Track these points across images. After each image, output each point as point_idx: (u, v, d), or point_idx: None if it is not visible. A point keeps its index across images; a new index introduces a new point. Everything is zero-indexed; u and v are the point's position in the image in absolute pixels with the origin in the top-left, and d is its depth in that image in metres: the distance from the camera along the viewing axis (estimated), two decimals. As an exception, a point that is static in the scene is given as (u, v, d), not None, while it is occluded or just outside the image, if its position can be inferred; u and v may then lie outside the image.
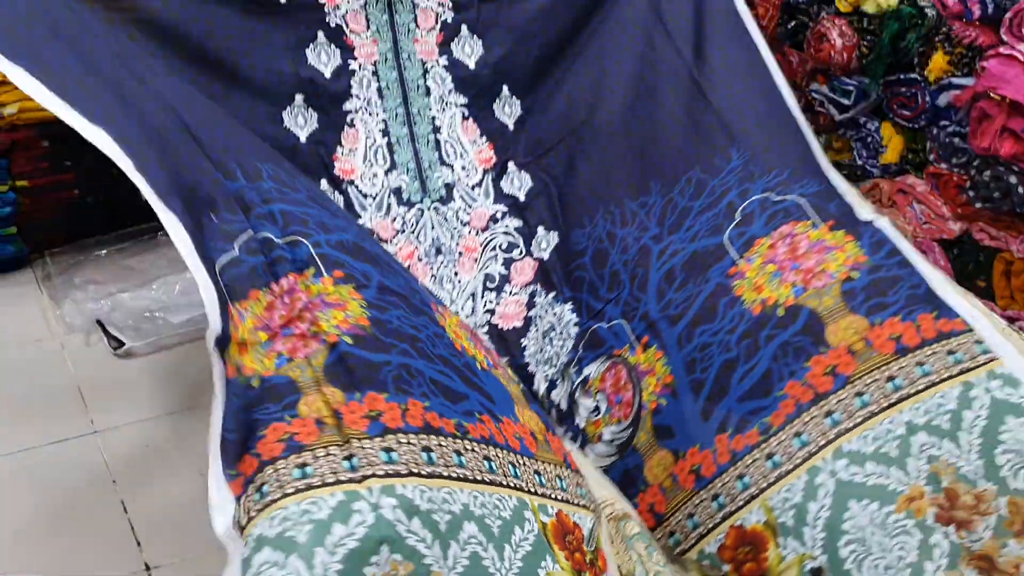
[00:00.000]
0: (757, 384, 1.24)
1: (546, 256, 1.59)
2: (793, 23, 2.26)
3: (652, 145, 1.55)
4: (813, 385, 1.22)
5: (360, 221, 1.48)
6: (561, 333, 1.52)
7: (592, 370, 1.44)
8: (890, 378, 1.21)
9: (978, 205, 1.82)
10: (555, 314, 1.55)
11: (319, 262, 1.11)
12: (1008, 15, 1.69)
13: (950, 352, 1.22)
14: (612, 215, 1.53)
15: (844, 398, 1.21)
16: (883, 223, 1.34)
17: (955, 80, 1.86)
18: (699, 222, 1.41)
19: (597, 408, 1.40)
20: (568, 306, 1.54)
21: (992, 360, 1.20)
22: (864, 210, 1.36)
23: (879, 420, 1.18)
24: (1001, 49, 1.69)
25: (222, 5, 1.43)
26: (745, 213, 1.38)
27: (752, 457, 1.20)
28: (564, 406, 1.45)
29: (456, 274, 1.55)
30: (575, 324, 1.51)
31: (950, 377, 1.20)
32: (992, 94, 1.68)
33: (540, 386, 1.50)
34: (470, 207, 1.57)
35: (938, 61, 1.90)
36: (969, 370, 1.20)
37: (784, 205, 1.37)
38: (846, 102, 2.15)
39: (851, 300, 1.26)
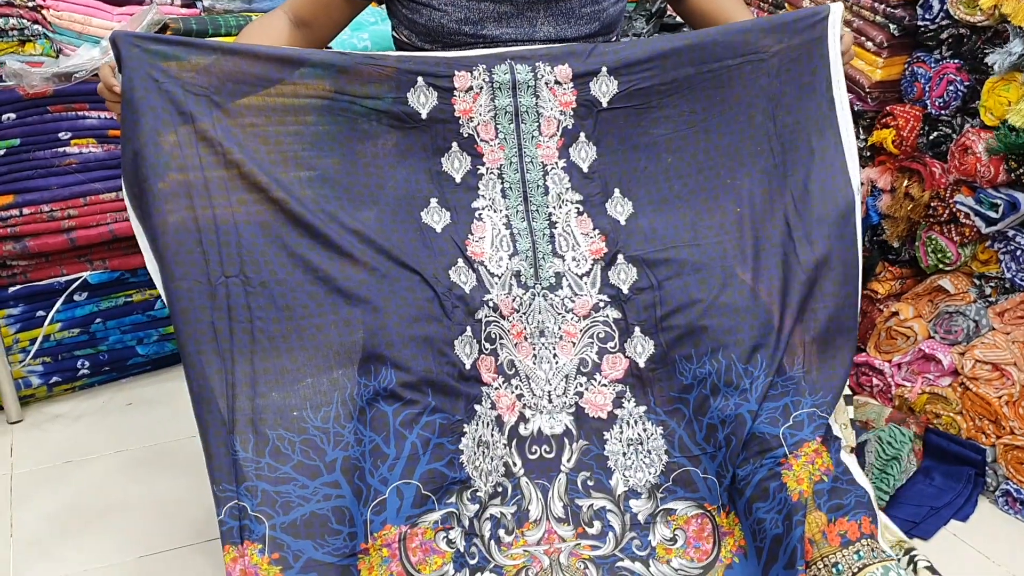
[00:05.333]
0: (791, 558, 1.53)
1: (641, 363, 1.69)
2: (935, 134, 2.25)
3: (755, 303, 1.70)
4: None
5: (488, 297, 1.66)
6: (649, 452, 1.68)
7: (680, 508, 1.66)
8: (835, 564, 1.59)
9: None
10: (644, 430, 1.69)
11: (267, 542, 1.47)
12: None
13: (872, 549, 1.61)
14: (719, 364, 1.64)
15: None
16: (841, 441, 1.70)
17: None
18: (764, 409, 1.62)
19: (674, 539, 1.64)
20: (660, 430, 1.68)
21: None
22: (835, 426, 1.69)
23: None
24: None
25: (371, 122, 1.65)
26: (797, 420, 1.61)
27: None
28: (642, 520, 1.66)
29: (555, 355, 1.69)
30: (665, 452, 1.68)
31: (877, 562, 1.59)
32: None
33: (618, 486, 1.68)
34: (577, 295, 1.70)
35: (1091, 176, 1.88)
36: (889, 559, 1.60)
37: (823, 421, 1.65)
38: (993, 215, 2.11)
39: (819, 498, 1.60)
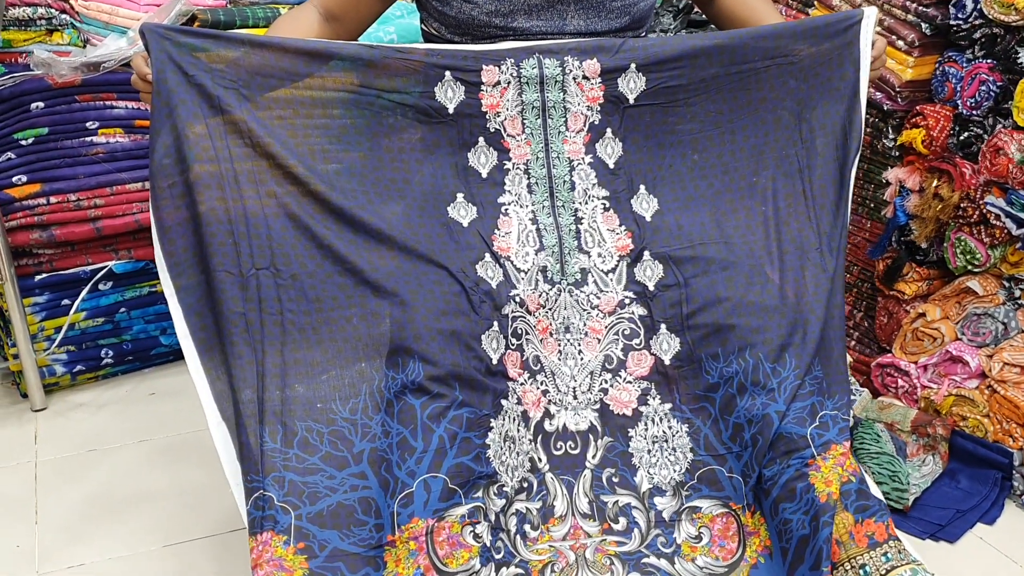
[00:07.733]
0: (817, 559, 1.52)
1: (666, 360, 1.68)
2: (966, 134, 2.23)
3: (783, 305, 1.69)
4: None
5: (515, 292, 1.65)
6: (674, 450, 1.67)
7: (705, 506, 1.66)
8: (862, 565, 1.58)
9: None
10: (669, 427, 1.68)
11: (292, 532, 1.45)
12: None
13: (900, 551, 1.60)
14: (746, 363, 1.63)
15: None
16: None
17: None
18: (792, 409, 1.61)
19: (700, 536, 1.64)
20: (685, 428, 1.68)
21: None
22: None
23: None
24: None
25: (397, 116, 1.66)
26: (823, 420, 1.60)
27: None
28: (667, 517, 1.65)
29: (580, 352, 1.68)
30: (690, 450, 1.67)
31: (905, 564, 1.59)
32: None
33: (643, 483, 1.67)
34: (602, 291, 1.69)
35: (1123, 177, 1.86)
36: (917, 563, 1.59)
37: (846, 424, 1.64)
38: (1024, 216, 2.09)
39: (846, 499, 1.58)
